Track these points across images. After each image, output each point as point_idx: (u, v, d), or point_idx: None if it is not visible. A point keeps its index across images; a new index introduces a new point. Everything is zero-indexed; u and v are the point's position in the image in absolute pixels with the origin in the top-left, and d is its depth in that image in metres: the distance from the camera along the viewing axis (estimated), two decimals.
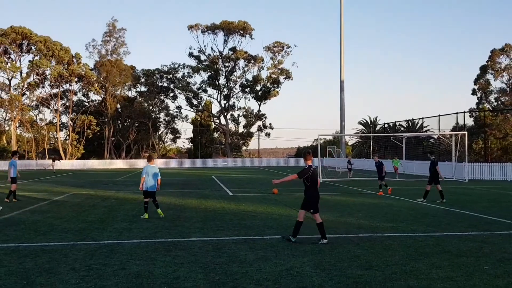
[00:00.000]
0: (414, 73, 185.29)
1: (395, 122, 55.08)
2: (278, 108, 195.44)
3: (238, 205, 16.58)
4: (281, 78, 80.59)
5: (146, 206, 13.51)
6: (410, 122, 53.25)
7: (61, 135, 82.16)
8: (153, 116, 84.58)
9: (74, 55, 76.12)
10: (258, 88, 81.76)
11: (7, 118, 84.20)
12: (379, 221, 12.64)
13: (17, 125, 78.87)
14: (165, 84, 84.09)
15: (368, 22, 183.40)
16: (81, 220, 12.98)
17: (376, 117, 63.68)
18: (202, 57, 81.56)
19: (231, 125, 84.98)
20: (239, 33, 79.36)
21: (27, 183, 30.34)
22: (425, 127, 50.01)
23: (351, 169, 33.76)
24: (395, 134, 43.56)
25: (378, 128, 60.00)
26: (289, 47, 79.73)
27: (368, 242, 9.78)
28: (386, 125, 57.33)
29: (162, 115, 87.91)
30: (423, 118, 48.97)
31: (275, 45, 79.62)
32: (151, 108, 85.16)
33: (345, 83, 56.04)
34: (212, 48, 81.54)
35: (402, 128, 54.31)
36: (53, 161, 50.86)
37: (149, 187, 13.36)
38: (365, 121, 63.83)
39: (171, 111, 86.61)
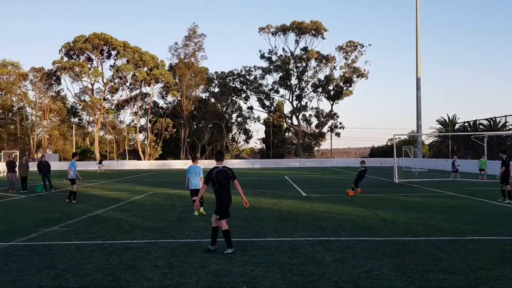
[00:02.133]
0: (495, 69, 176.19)
1: (476, 120, 52.70)
2: (351, 108, 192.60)
3: (312, 205, 16.51)
4: (354, 77, 79.42)
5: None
6: (491, 121, 50.74)
7: (140, 136, 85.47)
8: (226, 117, 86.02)
9: (160, 62, 79.53)
10: (331, 87, 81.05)
11: (90, 120, 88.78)
12: (461, 224, 12.14)
13: (99, 127, 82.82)
14: (238, 86, 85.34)
15: (445, 17, 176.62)
16: (161, 219, 13.43)
17: (455, 115, 61.11)
18: (274, 58, 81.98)
19: (303, 125, 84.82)
20: (310, 33, 79.09)
21: (109, 182, 31.82)
22: (509, 125, 47.48)
23: (457, 170, 32.25)
24: (475, 133, 41.67)
25: (457, 126, 57.62)
26: (363, 46, 78.39)
27: (450, 245, 9.43)
28: (466, 124, 54.99)
29: (234, 116, 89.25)
30: (506, 116, 46.58)
31: (348, 44, 78.54)
32: (224, 109, 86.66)
33: (422, 81, 54.34)
34: (283, 49, 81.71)
35: (481, 127, 51.88)
36: (100, 162, 52.54)
37: (194, 185, 14.43)
38: (443, 120, 61.49)
39: (243, 112, 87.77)
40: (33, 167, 26.36)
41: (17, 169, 25.64)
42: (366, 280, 6.87)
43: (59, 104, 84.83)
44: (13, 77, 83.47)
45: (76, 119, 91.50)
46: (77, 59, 77.78)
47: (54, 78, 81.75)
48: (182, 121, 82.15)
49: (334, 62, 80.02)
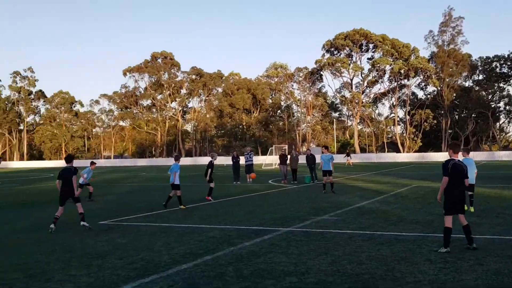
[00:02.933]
0: None
1: None
2: None
3: None
4: None
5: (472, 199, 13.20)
6: None
7: (398, 129, 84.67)
8: (492, 106, 79.02)
9: (412, 49, 77.67)
10: None
11: (349, 114, 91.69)
12: None
13: (358, 121, 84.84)
14: (505, 71, 77.58)
15: None
16: (428, 213, 13.09)
17: None
18: None
19: None
20: None
21: (370, 175, 32.41)
22: None
23: None
24: None
25: None
26: None
27: None
28: None
29: (502, 103, 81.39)
30: None
31: None
32: (490, 97, 79.73)
33: None
34: None
35: None
36: (348, 155, 51.71)
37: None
38: None
39: None
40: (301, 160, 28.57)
41: (288, 161, 28.04)
42: None
43: (321, 100, 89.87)
44: (282, 78, 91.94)
45: (336, 114, 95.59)
46: (338, 54, 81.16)
47: (316, 76, 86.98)
48: (442, 112, 78.47)
49: None
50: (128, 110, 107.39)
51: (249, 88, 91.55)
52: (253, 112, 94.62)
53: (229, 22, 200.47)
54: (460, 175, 8.38)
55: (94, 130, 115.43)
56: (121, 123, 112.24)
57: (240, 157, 29.96)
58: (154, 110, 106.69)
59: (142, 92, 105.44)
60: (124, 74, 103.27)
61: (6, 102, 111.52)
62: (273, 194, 20.00)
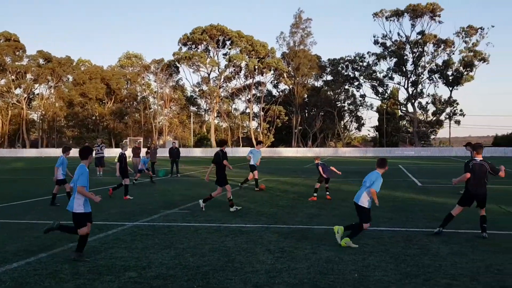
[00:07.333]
0: None
1: None
2: (472, 94, 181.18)
3: (428, 196, 15.87)
4: (475, 61, 74.54)
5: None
6: None
7: (253, 124, 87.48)
8: (338, 105, 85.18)
9: (270, 49, 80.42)
10: (449, 73, 76.94)
11: (207, 109, 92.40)
12: None
13: (215, 115, 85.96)
14: (350, 73, 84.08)
15: None
16: (274, 205, 13.72)
17: None
18: (388, 43, 79.59)
19: (419, 113, 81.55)
20: (427, 15, 75.59)
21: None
22: None
23: None
24: None
25: None
26: (483, 29, 73.34)
27: None
28: None
29: (347, 103, 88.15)
30: None
31: (467, 29, 73.94)
32: (336, 97, 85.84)
33: None
34: (398, 34, 79.04)
35: None
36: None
37: None
38: None
39: (356, 100, 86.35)
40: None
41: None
42: (487, 274, 6.51)
43: (179, 94, 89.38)
44: (137, 68, 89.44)
45: (194, 108, 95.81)
46: (195, 49, 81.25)
47: (173, 68, 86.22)
48: (294, 109, 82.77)
49: (453, 47, 75.85)
50: None
51: (103, 77, 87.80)
52: (107, 103, 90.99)
53: (81, 4, 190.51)
54: (481, 174, 9.28)
55: None
56: None
57: None
58: None
59: None
60: None
61: None
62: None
